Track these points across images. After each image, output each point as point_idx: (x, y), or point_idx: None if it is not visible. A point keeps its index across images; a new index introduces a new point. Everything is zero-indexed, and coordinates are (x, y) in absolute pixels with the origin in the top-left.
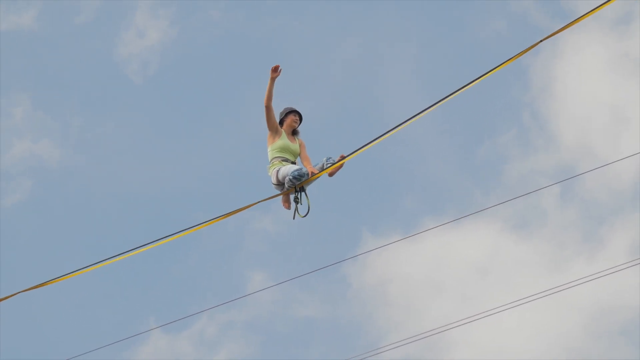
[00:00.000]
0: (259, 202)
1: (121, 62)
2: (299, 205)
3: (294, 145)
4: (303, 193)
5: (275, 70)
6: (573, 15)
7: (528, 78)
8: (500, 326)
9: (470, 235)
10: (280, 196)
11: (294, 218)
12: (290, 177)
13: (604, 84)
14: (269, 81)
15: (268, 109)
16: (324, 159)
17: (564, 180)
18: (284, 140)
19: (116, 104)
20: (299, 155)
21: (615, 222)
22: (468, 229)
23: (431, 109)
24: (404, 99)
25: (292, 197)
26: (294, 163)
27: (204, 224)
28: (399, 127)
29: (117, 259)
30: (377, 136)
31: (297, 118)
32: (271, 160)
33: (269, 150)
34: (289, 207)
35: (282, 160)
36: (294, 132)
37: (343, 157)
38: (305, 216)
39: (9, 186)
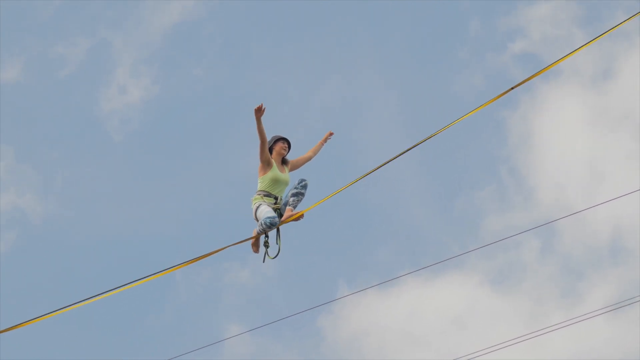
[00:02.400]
0: (230, 245)
1: (102, 118)
2: (268, 249)
3: (284, 176)
4: (277, 234)
5: (259, 110)
6: (550, 69)
7: (506, 133)
8: None
9: (447, 289)
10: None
11: (263, 261)
12: (262, 223)
13: (581, 139)
14: (256, 122)
15: (264, 144)
16: (296, 182)
17: (537, 227)
18: (274, 172)
19: (97, 159)
20: (304, 161)
21: (593, 278)
22: (445, 282)
23: (392, 159)
24: (383, 146)
25: (262, 240)
26: (276, 198)
27: (177, 266)
28: (358, 180)
29: (89, 301)
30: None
31: (286, 145)
32: (257, 191)
33: (259, 180)
34: (257, 251)
35: (265, 196)
36: (283, 160)
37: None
38: (274, 258)
39: None
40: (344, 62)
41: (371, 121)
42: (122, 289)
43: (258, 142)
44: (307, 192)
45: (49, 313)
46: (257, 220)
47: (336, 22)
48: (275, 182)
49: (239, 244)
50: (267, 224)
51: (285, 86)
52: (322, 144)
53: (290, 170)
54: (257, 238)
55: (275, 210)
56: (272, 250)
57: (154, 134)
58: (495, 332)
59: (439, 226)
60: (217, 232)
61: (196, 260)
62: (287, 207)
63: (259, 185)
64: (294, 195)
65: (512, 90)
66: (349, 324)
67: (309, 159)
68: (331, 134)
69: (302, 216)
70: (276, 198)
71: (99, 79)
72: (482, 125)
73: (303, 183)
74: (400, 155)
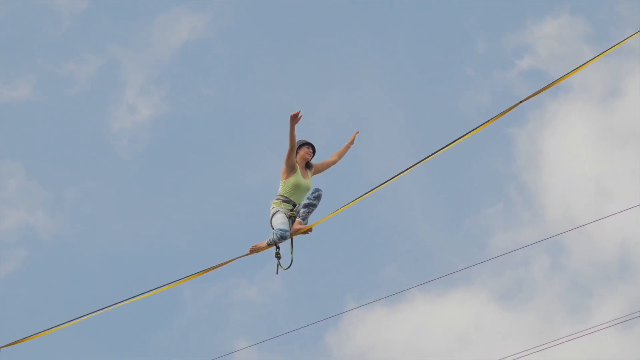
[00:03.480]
0: (238, 257)
1: (112, 136)
2: (280, 260)
3: (306, 181)
4: (291, 243)
5: (295, 117)
6: (559, 86)
7: (514, 149)
8: None
9: (455, 305)
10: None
11: (277, 273)
12: (274, 233)
13: (589, 156)
14: (290, 127)
15: (293, 150)
16: (310, 192)
17: (541, 240)
18: (297, 177)
19: (106, 177)
20: (328, 165)
21: (602, 294)
22: (453, 299)
23: (400, 174)
24: (389, 160)
25: (271, 251)
26: (295, 205)
27: (185, 278)
28: (364, 196)
29: (93, 314)
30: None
31: (311, 151)
32: (278, 195)
33: (280, 183)
34: (250, 253)
35: (284, 202)
36: (307, 165)
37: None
38: (287, 268)
39: (3, 256)
40: (350, 77)
41: (377, 135)
42: (130, 300)
43: (287, 147)
44: (320, 204)
45: (51, 328)
46: (272, 227)
47: (342, 36)
48: (297, 187)
49: (247, 256)
50: (278, 236)
51: (291, 100)
52: (349, 146)
53: (314, 174)
54: (265, 249)
55: (290, 217)
56: (284, 261)
57: (162, 152)
58: (503, 348)
59: (447, 243)
60: (226, 248)
61: (204, 273)
62: (297, 219)
63: (280, 188)
64: (305, 206)
65: (520, 105)
66: (356, 340)
67: (334, 162)
68: (357, 132)
69: (310, 230)
70: (295, 205)
71: (108, 98)
72: (490, 141)
73: (316, 194)
74: (407, 170)
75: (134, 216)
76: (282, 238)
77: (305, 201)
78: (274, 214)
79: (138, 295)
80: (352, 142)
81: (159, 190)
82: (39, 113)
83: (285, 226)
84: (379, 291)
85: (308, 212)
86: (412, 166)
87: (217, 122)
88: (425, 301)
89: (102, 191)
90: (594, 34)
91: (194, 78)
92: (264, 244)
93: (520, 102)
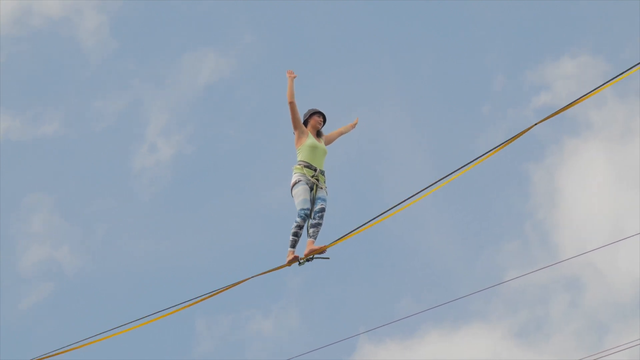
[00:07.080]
0: (260, 274)
1: (134, 174)
2: (308, 261)
3: (321, 145)
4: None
5: (292, 73)
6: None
7: (530, 186)
8: None
9: (468, 342)
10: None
11: (328, 258)
12: (297, 216)
13: (606, 195)
14: (288, 81)
15: (293, 105)
16: (315, 211)
17: (544, 267)
18: (311, 139)
19: (129, 213)
20: (338, 134)
21: (617, 333)
22: (467, 335)
23: (418, 194)
24: (408, 185)
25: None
26: (315, 169)
27: (204, 297)
28: (378, 220)
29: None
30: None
31: (321, 119)
32: (298, 161)
33: (297, 151)
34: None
35: (305, 167)
36: (318, 134)
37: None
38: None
39: (27, 289)
40: (372, 106)
41: (398, 163)
42: (146, 322)
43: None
44: (327, 221)
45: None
46: (292, 196)
47: (364, 68)
48: (314, 149)
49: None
50: (301, 217)
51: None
52: (351, 128)
53: (326, 144)
54: (289, 264)
55: (311, 187)
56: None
57: (182, 192)
58: None
59: (462, 281)
60: (246, 289)
61: (222, 291)
62: (309, 240)
63: (298, 156)
64: (313, 226)
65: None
66: None
67: (342, 133)
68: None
69: (324, 250)
70: (315, 170)
71: (132, 136)
72: (506, 178)
73: (320, 214)
74: (423, 190)
75: (157, 251)
76: (306, 216)
77: (312, 221)
78: (294, 183)
79: (158, 312)
80: (353, 126)
81: (181, 228)
82: (65, 148)
83: (306, 204)
84: (394, 327)
85: (317, 232)
86: (427, 187)
87: (239, 162)
88: (438, 337)
89: (125, 226)
90: (614, 73)
91: (217, 118)
92: (289, 256)
93: (535, 124)
